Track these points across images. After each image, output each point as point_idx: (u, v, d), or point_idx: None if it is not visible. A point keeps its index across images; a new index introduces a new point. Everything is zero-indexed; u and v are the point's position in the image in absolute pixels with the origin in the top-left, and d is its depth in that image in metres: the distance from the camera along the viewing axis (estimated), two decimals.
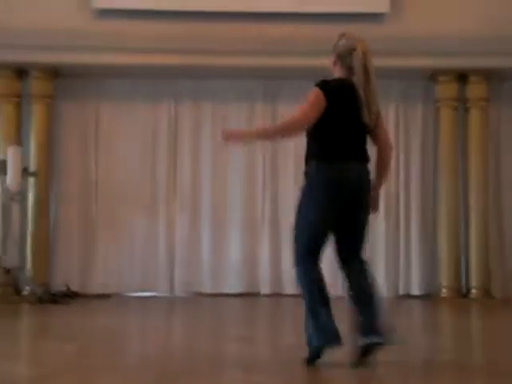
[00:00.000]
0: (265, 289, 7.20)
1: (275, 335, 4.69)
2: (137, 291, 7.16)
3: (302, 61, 6.77)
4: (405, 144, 7.37)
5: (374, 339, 3.27)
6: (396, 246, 7.27)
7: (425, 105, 7.37)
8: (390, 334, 3.31)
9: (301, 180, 7.21)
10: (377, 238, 7.24)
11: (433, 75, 7.12)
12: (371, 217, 3.62)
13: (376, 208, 3.59)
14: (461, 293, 7.01)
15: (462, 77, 7.09)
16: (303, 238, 3.46)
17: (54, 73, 7.08)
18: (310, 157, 3.45)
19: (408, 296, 7.15)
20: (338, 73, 3.64)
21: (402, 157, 7.35)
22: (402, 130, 7.38)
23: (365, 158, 3.51)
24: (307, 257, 3.51)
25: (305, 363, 3.37)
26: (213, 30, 6.72)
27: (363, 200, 3.43)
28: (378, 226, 7.23)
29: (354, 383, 3.14)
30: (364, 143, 3.53)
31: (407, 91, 7.40)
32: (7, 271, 6.56)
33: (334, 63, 3.67)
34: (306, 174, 3.47)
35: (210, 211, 7.29)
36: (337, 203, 3.37)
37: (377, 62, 6.74)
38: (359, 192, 3.41)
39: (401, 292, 7.20)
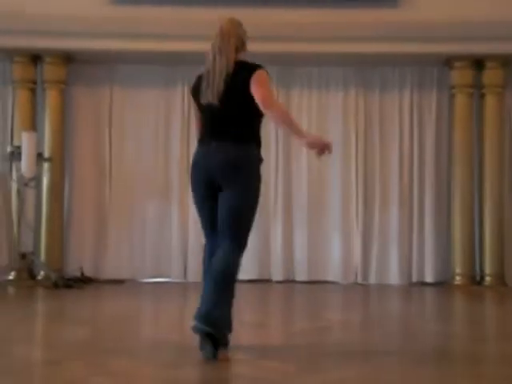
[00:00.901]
0: (277, 275, 7.21)
1: (287, 321, 4.70)
2: (150, 277, 7.20)
3: (316, 47, 6.73)
4: (419, 131, 7.32)
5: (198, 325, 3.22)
6: (410, 234, 7.24)
7: (439, 91, 7.31)
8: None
9: (315, 166, 7.25)
10: (390, 226, 7.22)
11: (448, 61, 7.05)
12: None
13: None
14: (475, 280, 6.99)
15: (477, 63, 7.01)
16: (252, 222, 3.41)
17: (68, 59, 7.09)
18: (248, 137, 3.39)
19: (421, 283, 7.13)
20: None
21: (416, 144, 7.30)
22: (416, 117, 7.33)
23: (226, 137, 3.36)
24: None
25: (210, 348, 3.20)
26: (225, 16, 6.67)
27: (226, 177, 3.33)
28: (391, 214, 7.22)
29: (367, 370, 3.14)
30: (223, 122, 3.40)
31: (422, 77, 7.33)
32: (22, 256, 6.62)
33: None
34: (252, 155, 3.39)
35: None
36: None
37: (391, 47, 6.81)
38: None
39: (414, 279, 7.18)
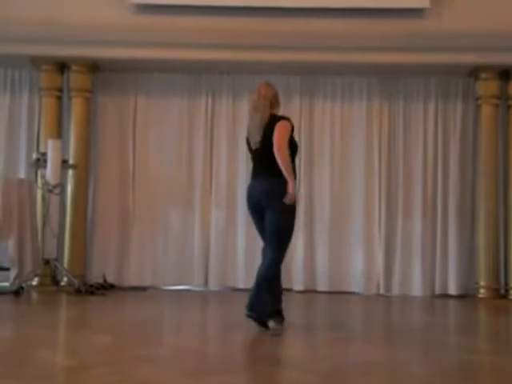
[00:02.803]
0: (298, 285, 7.19)
1: (308, 331, 4.67)
2: (171, 284, 7.23)
3: (340, 56, 6.74)
4: (443, 142, 7.28)
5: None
6: (433, 245, 7.18)
7: (465, 102, 7.26)
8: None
9: (337, 179, 7.24)
10: (413, 237, 7.17)
11: (473, 72, 7.00)
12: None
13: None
14: (499, 293, 6.90)
15: (503, 73, 6.96)
16: (291, 236, 4.55)
17: (94, 67, 7.18)
18: (279, 173, 4.37)
19: (445, 296, 7.06)
20: None
21: (440, 155, 7.26)
22: (440, 128, 7.29)
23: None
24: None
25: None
26: (250, 25, 6.72)
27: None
28: (414, 225, 7.17)
29: (389, 383, 3.12)
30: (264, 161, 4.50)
31: (447, 88, 7.30)
32: (46, 262, 6.69)
33: None
34: (281, 186, 4.35)
35: (245, 206, 7.28)
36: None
37: (416, 58, 6.79)
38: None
39: (437, 292, 7.12)
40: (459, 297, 7.01)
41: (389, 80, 7.30)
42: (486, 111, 7.00)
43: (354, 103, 7.36)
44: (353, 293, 7.13)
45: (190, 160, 7.41)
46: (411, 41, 6.70)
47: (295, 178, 4.40)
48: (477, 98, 7.09)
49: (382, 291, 7.17)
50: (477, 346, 4.22)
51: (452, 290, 7.09)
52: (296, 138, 4.58)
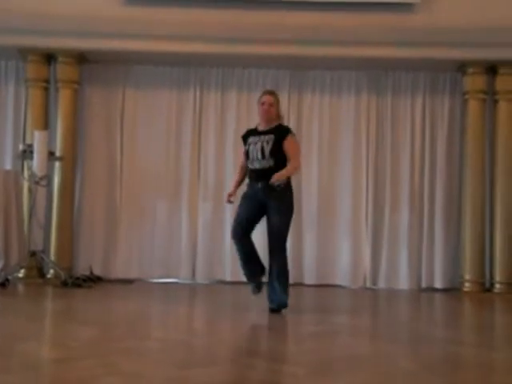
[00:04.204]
0: None
1: (296, 324, 4.69)
2: (158, 277, 7.22)
3: (329, 50, 6.74)
4: (431, 136, 7.31)
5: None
6: (420, 239, 7.22)
7: (452, 97, 7.30)
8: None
9: (325, 173, 7.28)
10: (400, 230, 7.21)
11: (461, 67, 7.03)
12: None
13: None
14: (484, 287, 6.96)
15: (490, 68, 7.00)
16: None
17: (82, 58, 7.12)
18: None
19: (431, 289, 7.11)
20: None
21: (427, 149, 7.29)
22: (428, 123, 7.32)
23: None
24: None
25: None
26: (240, 18, 6.70)
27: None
28: (401, 218, 7.20)
29: (375, 376, 3.14)
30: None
31: (434, 83, 7.32)
32: (32, 254, 6.65)
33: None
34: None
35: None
36: None
37: (404, 52, 6.81)
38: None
39: (424, 285, 7.16)
40: (445, 290, 7.06)
41: (377, 74, 7.31)
42: (473, 106, 7.04)
43: (343, 97, 7.37)
44: (339, 286, 7.17)
45: (178, 153, 7.38)
46: (400, 35, 6.71)
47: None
48: (464, 93, 7.13)
49: (368, 284, 7.20)
50: (463, 338, 4.26)
51: (438, 283, 7.14)
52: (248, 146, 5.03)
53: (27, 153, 6.65)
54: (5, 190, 6.30)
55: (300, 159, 4.97)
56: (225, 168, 7.30)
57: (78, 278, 6.61)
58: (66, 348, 3.54)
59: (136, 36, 6.70)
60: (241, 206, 5.01)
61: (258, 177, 4.93)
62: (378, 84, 7.34)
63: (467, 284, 6.94)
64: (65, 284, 6.38)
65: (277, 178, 4.74)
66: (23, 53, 6.97)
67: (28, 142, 6.82)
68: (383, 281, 7.21)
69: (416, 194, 7.25)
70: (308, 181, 7.29)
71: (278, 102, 5.08)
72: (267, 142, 4.91)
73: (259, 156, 4.91)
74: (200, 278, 7.25)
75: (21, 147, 6.75)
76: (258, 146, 4.93)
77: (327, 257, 7.23)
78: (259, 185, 4.90)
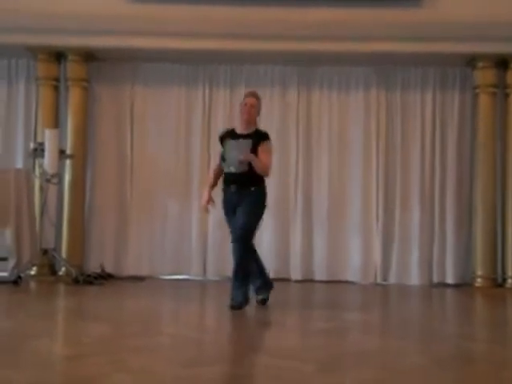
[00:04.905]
0: (296, 275, 7.20)
1: (306, 320, 4.69)
2: (170, 274, 7.24)
3: (338, 46, 6.71)
4: (441, 131, 7.27)
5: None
6: (431, 234, 7.19)
7: (462, 91, 7.25)
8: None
9: (334, 169, 7.26)
10: (411, 226, 7.18)
11: (471, 61, 6.98)
12: None
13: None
14: (496, 282, 6.92)
15: (501, 62, 6.94)
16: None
17: (91, 56, 7.14)
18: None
19: (442, 285, 7.08)
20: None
21: (438, 144, 7.25)
22: (438, 118, 7.28)
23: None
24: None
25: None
26: (248, 15, 6.69)
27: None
28: (412, 214, 7.18)
29: (385, 372, 3.13)
30: None
31: (444, 77, 7.28)
32: (44, 252, 6.69)
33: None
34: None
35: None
36: None
37: (413, 47, 6.77)
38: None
39: (435, 280, 7.14)
40: (456, 286, 7.03)
41: (386, 69, 7.28)
42: (484, 100, 6.99)
43: (352, 93, 7.34)
44: (350, 282, 7.15)
45: (188, 149, 7.39)
46: (409, 30, 6.67)
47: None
48: (474, 87, 7.08)
49: (379, 280, 7.18)
50: (475, 334, 4.25)
51: (449, 278, 7.11)
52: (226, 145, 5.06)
53: (38, 151, 6.69)
54: (16, 188, 6.35)
55: (271, 165, 4.98)
56: None
57: (89, 276, 6.64)
58: (77, 345, 3.57)
59: (144, 33, 6.71)
60: (226, 216, 5.09)
61: (233, 181, 4.94)
62: (387, 79, 7.31)
63: (479, 279, 6.90)
64: (76, 281, 6.42)
65: (247, 155, 4.79)
66: (33, 51, 7.01)
67: (39, 140, 6.86)
68: (394, 276, 7.19)
69: (427, 189, 7.22)
70: (318, 178, 7.28)
71: (259, 105, 5.08)
72: (246, 147, 4.89)
73: (236, 160, 4.90)
74: (211, 275, 7.26)
75: (32, 145, 6.79)
76: (236, 150, 4.91)
77: (338, 253, 7.22)
78: (233, 188, 4.93)
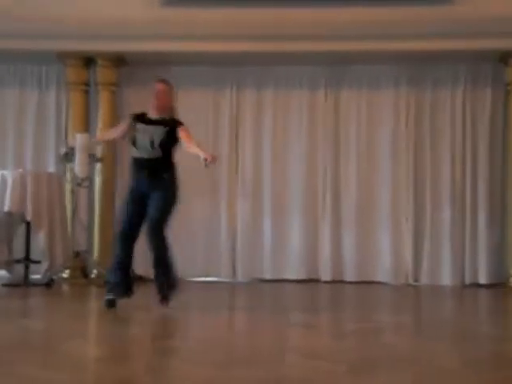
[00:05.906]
0: (326, 275, 7.17)
1: (336, 322, 4.66)
2: (199, 276, 7.26)
3: (367, 45, 6.66)
4: (472, 129, 7.17)
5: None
6: (462, 233, 7.09)
7: (494, 88, 7.13)
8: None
9: (363, 168, 7.21)
10: (442, 225, 7.09)
11: (503, 57, 6.87)
12: None
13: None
14: None
15: None
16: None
17: (120, 61, 7.21)
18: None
19: (475, 285, 6.98)
20: None
21: (468, 142, 7.15)
22: (469, 115, 7.18)
23: None
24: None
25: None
26: (275, 16, 6.68)
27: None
28: (443, 213, 7.09)
29: (417, 374, 3.09)
30: None
31: (475, 74, 7.17)
32: (76, 255, 6.77)
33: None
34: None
35: (271, 197, 7.31)
36: None
37: (444, 45, 6.67)
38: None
39: (467, 281, 7.03)
40: (489, 286, 6.92)
41: (416, 67, 7.20)
42: None
43: (381, 91, 7.28)
44: (381, 283, 7.09)
45: (216, 151, 7.38)
46: (440, 27, 6.59)
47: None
48: (507, 84, 6.96)
49: (410, 281, 7.11)
50: (508, 335, 4.17)
51: (482, 279, 7.00)
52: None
53: (69, 155, 6.77)
54: (48, 192, 6.44)
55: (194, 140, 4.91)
56: (262, 166, 7.30)
57: None
58: (108, 347, 3.60)
59: (172, 37, 6.75)
60: (127, 204, 4.92)
61: (144, 166, 4.82)
62: (417, 77, 7.23)
63: None
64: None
65: (211, 158, 4.76)
66: (63, 57, 7.10)
67: (70, 144, 6.95)
68: (426, 277, 7.10)
69: (458, 187, 7.12)
70: (347, 177, 7.24)
71: (171, 91, 5.02)
72: (159, 133, 4.81)
73: (148, 146, 4.79)
74: (241, 277, 7.27)
75: (63, 150, 6.88)
76: (148, 135, 4.82)
77: (368, 253, 7.16)
78: (144, 173, 4.81)
